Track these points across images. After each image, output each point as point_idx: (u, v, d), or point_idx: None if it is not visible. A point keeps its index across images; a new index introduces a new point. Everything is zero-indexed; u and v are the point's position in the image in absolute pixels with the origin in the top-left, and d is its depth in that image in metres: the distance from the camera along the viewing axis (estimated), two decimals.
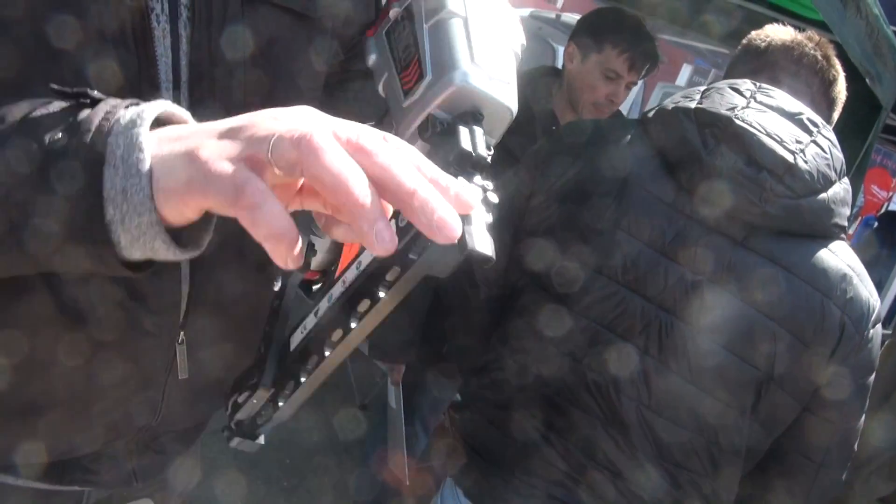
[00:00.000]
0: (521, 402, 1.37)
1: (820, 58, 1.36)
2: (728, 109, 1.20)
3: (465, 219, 0.46)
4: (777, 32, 1.41)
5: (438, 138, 0.53)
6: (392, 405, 2.25)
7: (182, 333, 0.81)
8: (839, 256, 1.23)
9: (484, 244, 0.45)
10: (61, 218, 0.49)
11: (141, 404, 0.83)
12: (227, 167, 0.44)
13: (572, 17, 6.94)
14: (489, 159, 0.52)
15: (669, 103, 1.29)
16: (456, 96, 0.53)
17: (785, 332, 1.20)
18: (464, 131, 0.52)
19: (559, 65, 2.37)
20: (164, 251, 0.49)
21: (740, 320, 1.20)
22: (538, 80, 2.21)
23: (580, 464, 1.32)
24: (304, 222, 0.64)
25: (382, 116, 0.64)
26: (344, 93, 0.92)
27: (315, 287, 0.74)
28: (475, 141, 0.53)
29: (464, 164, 0.51)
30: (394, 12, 0.60)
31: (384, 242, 0.43)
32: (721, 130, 1.19)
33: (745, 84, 1.28)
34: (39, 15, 0.60)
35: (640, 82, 2.34)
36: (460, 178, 0.48)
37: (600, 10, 2.32)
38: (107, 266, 0.51)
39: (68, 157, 0.49)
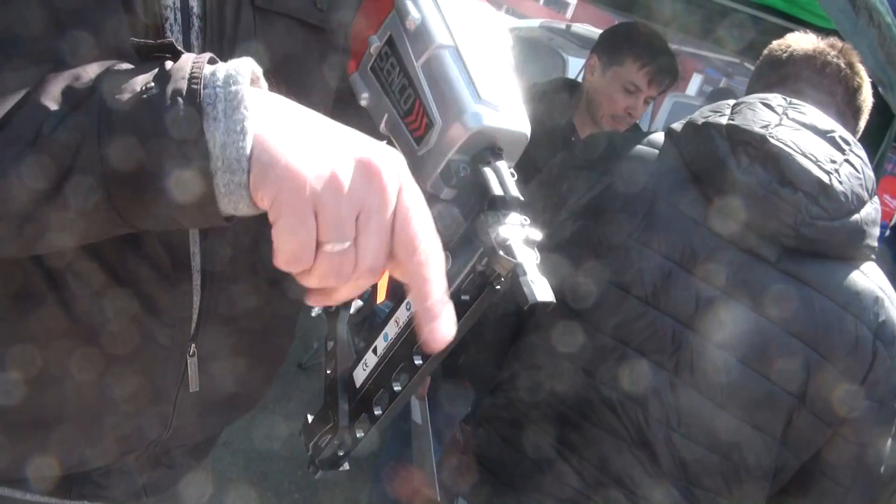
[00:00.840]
0: (534, 418, 1.35)
1: (843, 66, 1.33)
2: (762, 127, 1.16)
3: (520, 268, 0.48)
4: (798, 41, 1.37)
5: (464, 183, 0.53)
6: (417, 420, 2.22)
7: (193, 346, 0.80)
8: (871, 279, 1.20)
9: (544, 292, 0.48)
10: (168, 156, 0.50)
11: (152, 417, 0.83)
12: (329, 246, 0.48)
13: (583, 28, 6.95)
14: (520, 195, 0.52)
15: (699, 117, 1.25)
16: (472, 140, 0.53)
17: (817, 356, 1.16)
18: (490, 174, 0.53)
19: (570, 75, 2.39)
20: (246, 209, 0.51)
21: (771, 342, 1.17)
22: (555, 94, 2.22)
23: (595, 481, 1.30)
24: None
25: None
26: (356, 109, 0.91)
27: (354, 311, 0.75)
28: (503, 181, 0.53)
29: (498, 208, 0.52)
30: (374, 47, 0.59)
31: (439, 340, 0.49)
32: (755, 149, 1.15)
33: (776, 99, 1.24)
34: (56, 32, 0.60)
35: None
36: (500, 228, 0.50)
37: (624, 25, 2.33)
38: (204, 214, 0.52)
39: (166, 106, 0.50)
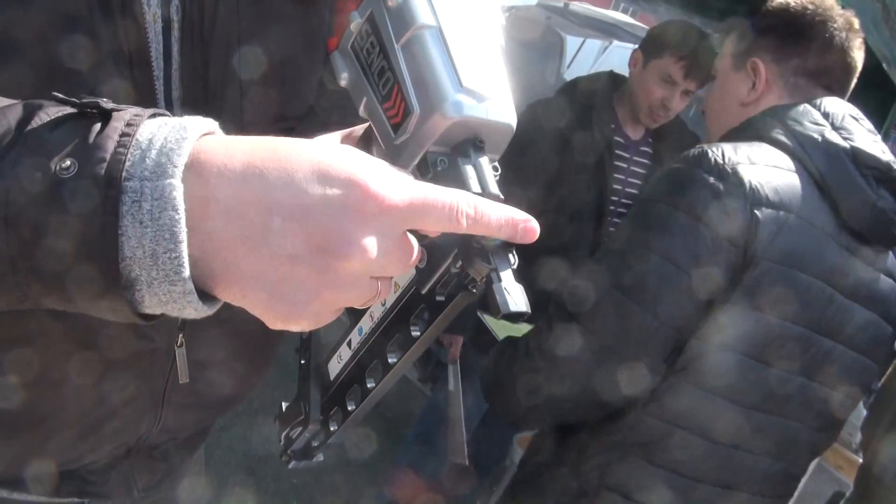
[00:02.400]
0: (533, 421, 1.37)
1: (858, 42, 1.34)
2: (881, 153, 1.23)
3: (494, 274, 0.45)
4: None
5: (441, 177, 0.49)
6: (451, 387, 2.18)
7: (181, 336, 0.77)
8: None
9: (518, 302, 0.45)
10: (74, 250, 0.42)
11: (139, 410, 0.81)
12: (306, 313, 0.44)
13: (581, 6, 6.87)
14: (500, 192, 0.49)
15: (816, 134, 1.22)
16: (451, 130, 0.49)
17: None
18: (469, 170, 0.49)
19: (568, 54, 2.46)
20: (195, 314, 0.44)
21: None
22: (598, 87, 2.29)
23: (594, 485, 1.29)
24: None
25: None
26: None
27: None
28: (483, 178, 0.49)
29: None
30: (355, 24, 0.54)
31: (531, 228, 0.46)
32: (882, 174, 1.22)
33: (848, 108, 1.28)
34: (51, 37, 0.58)
35: None
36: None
37: (670, 22, 2.42)
38: (119, 316, 0.45)
39: (80, 195, 0.41)
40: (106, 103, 0.45)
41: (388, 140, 0.51)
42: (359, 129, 0.63)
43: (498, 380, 1.32)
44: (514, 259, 0.47)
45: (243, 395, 0.96)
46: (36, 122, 0.44)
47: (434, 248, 0.50)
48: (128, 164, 0.42)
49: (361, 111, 0.54)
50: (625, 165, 2.26)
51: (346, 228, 0.41)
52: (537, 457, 1.43)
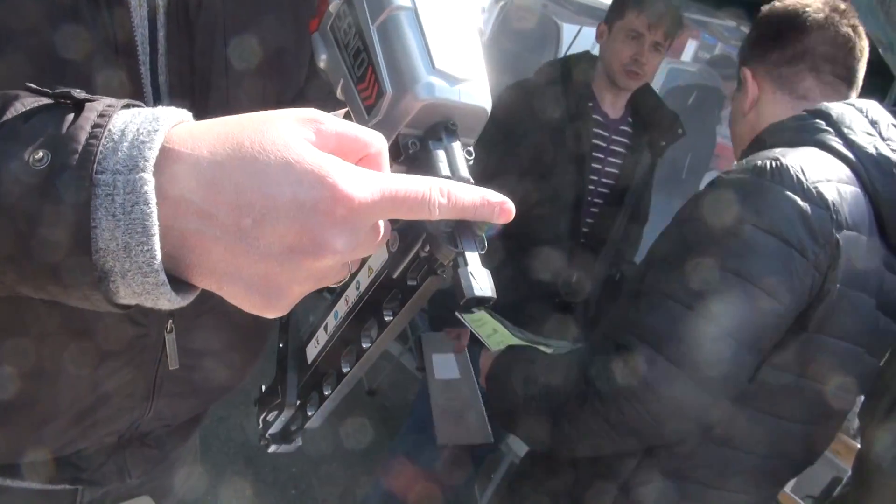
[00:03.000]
0: (529, 411, 1.33)
1: (852, 34, 1.33)
2: None
3: (461, 258, 0.45)
4: (805, 5, 1.34)
5: (413, 161, 0.49)
6: (456, 375, 2.19)
7: (170, 322, 0.77)
8: None
9: (483, 286, 0.44)
10: (57, 245, 0.42)
11: (131, 397, 0.81)
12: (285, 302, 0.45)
13: None
14: (470, 177, 0.49)
15: (869, 146, 1.17)
16: (423, 112, 0.49)
17: None
18: (440, 154, 0.49)
19: (564, 42, 2.50)
20: (168, 304, 0.45)
21: None
22: (576, 67, 2.28)
23: (588, 474, 1.29)
24: None
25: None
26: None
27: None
28: (453, 162, 0.49)
29: None
30: (334, 5, 0.54)
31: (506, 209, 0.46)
32: None
33: (889, 117, 1.23)
34: (44, 27, 0.58)
35: None
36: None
37: None
38: (94, 306, 0.46)
39: (52, 187, 0.42)
40: (78, 94, 0.45)
41: (362, 122, 0.50)
42: (339, 114, 0.63)
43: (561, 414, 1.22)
44: (482, 244, 0.47)
45: (236, 384, 0.96)
46: (10, 112, 0.44)
47: (406, 231, 0.50)
48: (100, 156, 0.42)
49: (339, 93, 0.54)
50: (604, 145, 2.25)
51: (317, 230, 0.42)
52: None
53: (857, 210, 1.12)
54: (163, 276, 0.43)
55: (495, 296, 0.45)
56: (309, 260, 0.42)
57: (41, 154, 0.42)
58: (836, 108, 1.23)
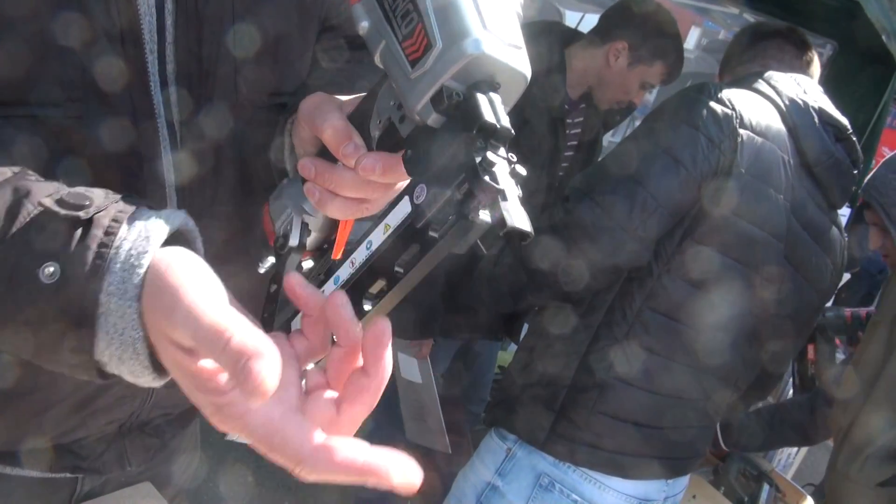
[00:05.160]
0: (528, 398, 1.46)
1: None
2: (841, 117, 1.51)
3: (501, 194, 0.47)
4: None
5: (455, 110, 0.51)
6: (416, 380, 2.19)
7: None
8: None
9: (522, 220, 0.46)
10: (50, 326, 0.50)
11: (131, 386, 0.79)
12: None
13: None
14: (512, 129, 0.50)
15: (793, 93, 1.49)
16: (471, 66, 0.51)
17: None
18: (484, 101, 0.50)
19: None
20: (150, 384, 0.52)
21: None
22: (544, 37, 2.11)
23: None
24: (296, 201, 0.67)
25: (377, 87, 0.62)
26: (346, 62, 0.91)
27: (307, 267, 0.72)
28: (496, 111, 0.50)
29: (487, 136, 0.49)
30: None
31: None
32: (840, 132, 1.51)
33: (815, 84, 1.58)
34: (44, 13, 0.60)
35: None
36: (487, 153, 0.48)
37: (667, 26, 2.16)
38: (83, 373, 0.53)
39: (61, 296, 0.49)
40: (88, 209, 0.50)
41: (404, 77, 0.53)
42: (351, 100, 0.63)
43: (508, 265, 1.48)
44: (520, 191, 0.48)
45: None
46: (23, 216, 0.50)
47: (434, 178, 0.52)
48: (104, 282, 0.49)
49: (377, 59, 0.55)
50: (569, 131, 2.18)
51: None
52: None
53: (769, 126, 1.43)
54: (150, 371, 0.50)
55: (532, 232, 0.46)
56: None
57: (52, 269, 0.48)
58: (769, 71, 1.54)
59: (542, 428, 1.44)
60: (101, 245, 0.49)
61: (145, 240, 0.49)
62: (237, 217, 0.78)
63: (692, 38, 10.38)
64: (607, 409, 1.42)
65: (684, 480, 1.59)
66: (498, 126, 0.49)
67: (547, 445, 1.45)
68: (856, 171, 1.55)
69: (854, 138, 1.54)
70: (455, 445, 2.24)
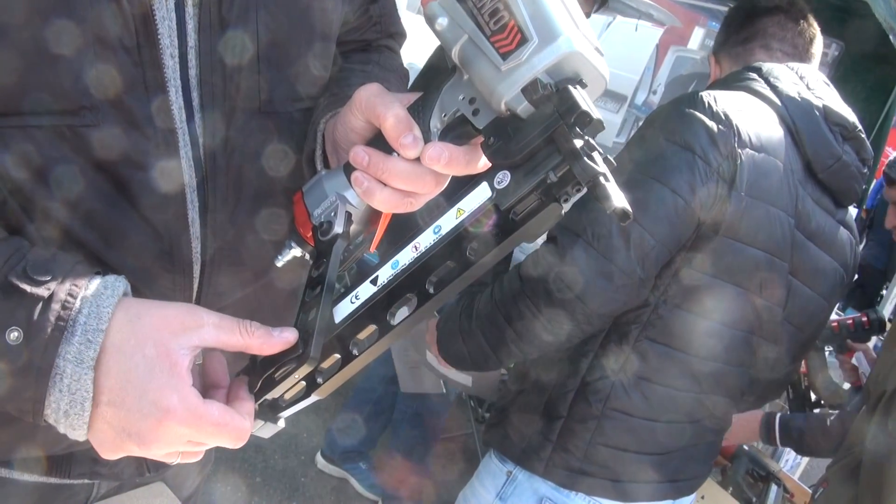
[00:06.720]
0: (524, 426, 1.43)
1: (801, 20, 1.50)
2: (848, 115, 1.39)
3: (604, 176, 0.50)
4: None
5: (546, 100, 0.54)
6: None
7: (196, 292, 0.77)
8: None
9: (623, 200, 0.50)
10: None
11: None
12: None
13: None
14: (602, 121, 0.53)
15: (794, 92, 1.37)
16: (563, 62, 0.54)
17: None
18: (579, 93, 0.53)
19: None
20: (76, 437, 0.61)
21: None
22: None
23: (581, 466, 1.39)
24: (340, 191, 0.68)
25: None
26: (365, 65, 0.91)
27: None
28: (588, 102, 0.53)
29: (584, 125, 0.52)
30: None
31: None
32: (848, 131, 1.39)
33: (821, 76, 1.44)
34: (38, 20, 0.59)
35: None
36: (587, 139, 0.52)
37: None
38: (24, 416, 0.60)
39: (21, 358, 0.56)
40: (46, 287, 0.57)
41: (493, 69, 0.55)
42: (405, 98, 0.65)
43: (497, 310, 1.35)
44: (611, 177, 0.52)
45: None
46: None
47: (523, 164, 0.55)
48: (60, 348, 0.57)
49: (454, 54, 0.58)
50: None
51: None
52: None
53: (769, 138, 1.31)
54: (85, 432, 0.60)
55: (631, 212, 0.49)
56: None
57: (16, 335, 0.56)
58: (767, 65, 1.42)
59: (540, 459, 1.40)
60: (59, 319, 0.57)
61: (97, 318, 0.58)
62: (231, 227, 0.78)
63: (696, 39, 10.37)
64: (607, 440, 1.36)
65: (690, 497, 1.54)
66: (593, 116, 0.52)
67: (546, 474, 1.40)
68: (866, 170, 1.44)
69: (863, 135, 1.42)
70: (447, 454, 2.23)
